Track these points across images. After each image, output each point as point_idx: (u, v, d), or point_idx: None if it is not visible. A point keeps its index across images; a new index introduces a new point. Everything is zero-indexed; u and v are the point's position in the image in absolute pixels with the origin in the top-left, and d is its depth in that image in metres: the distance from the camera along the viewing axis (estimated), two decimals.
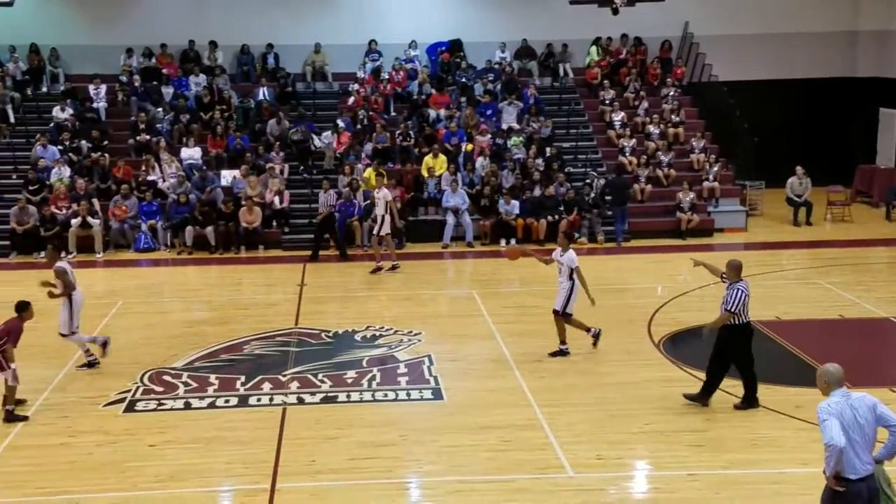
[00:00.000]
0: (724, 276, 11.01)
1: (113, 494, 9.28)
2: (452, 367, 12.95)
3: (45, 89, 24.44)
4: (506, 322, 14.95)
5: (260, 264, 19.62)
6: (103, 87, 23.93)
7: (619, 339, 13.84)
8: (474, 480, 9.55)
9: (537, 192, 21.42)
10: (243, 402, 11.77)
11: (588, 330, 13.42)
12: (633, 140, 23.64)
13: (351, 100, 24.14)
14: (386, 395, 11.98)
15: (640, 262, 19.56)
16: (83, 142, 22.12)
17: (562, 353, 13.14)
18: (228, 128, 22.84)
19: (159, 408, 11.56)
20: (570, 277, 12.83)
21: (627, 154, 23.18)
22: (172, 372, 12.73)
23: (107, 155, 21.76)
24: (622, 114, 24.36)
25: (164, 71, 24.64)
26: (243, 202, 20.38)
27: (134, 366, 12.92)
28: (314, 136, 22.98)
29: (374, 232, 18.57)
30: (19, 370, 11.26)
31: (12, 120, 23.15)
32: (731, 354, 10.98)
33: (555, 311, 13.04)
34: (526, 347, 13.56)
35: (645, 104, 24.71)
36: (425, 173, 21.92)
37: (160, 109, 23.44)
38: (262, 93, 24.19)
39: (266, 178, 21.22)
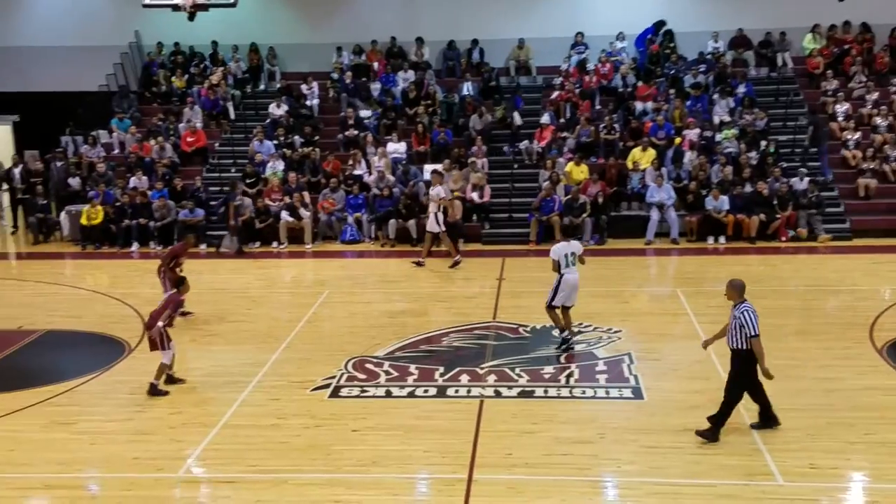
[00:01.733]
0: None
1: (318, 476, 9.52)
2: (653, 366, 12.53)
3: (262, 87, 25.74)
4: (712, 322, 14.23)
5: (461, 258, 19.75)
6: (315, 85, 24.90)
7: (837, 344, 12.98)
8: (676, 483, 9.16)
9: (748, 187, 20.47)
10: (441, 392, 11.85)
11: (562, 330, 13.28)
12: (859, 133, 22.17)
13: (555, 93, 23.95)
14: (584, 392, 11.73)
15: (862, 263, 18.29)
16: (296, 137, 23.10)
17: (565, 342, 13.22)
18: (433, 122, 23.19)
19: (362, 394, 11.81)
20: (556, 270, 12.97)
21: (851, 147, 21.77)
22: (374, 360, 12.99)
23: (317, 149, 22.62)
24: (846, 105, 22.90)
25: (375, 65, 25.31)
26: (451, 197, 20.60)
27: (339, 353, 13.27)
28: (516, 114, 22.96)
29: (433, 230, 18.43)
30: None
31: (233, 116, 24.51)
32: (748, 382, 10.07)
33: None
34: None
35: (873, 95, 23.12)
36: (630, 167, 21.42)
37: (368, 108, 24.10)
38: (467, 87, 24.42)
39: (468, 173, 21.38)
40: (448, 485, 9.34)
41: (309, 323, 14.91)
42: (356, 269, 19.33)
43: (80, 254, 20.53)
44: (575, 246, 13.21)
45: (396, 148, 22.47)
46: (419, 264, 18.47)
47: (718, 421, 10.05)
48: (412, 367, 12.71)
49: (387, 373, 12.54)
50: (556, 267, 13.03)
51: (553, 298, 13.14)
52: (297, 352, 13.46)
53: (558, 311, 13.22)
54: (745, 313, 9.79)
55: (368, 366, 12.81)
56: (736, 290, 10.03)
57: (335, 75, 25.16)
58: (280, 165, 22.07)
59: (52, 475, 9.66)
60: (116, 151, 23.51)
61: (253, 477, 9.58)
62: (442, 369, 12.59)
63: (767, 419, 10.30)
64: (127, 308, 15.71)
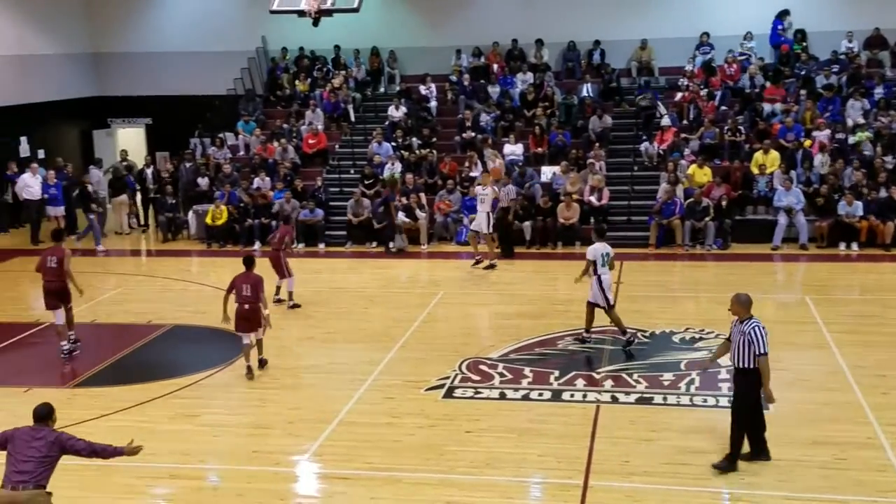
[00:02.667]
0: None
1: (432, 475, 9.52)
2: (779, 376, 11.88)
3: (382, 90, 26.04)
4: (843, 331, 13.72)
5: (576, 261, 19.29)
6: (434, 87, 25.04)
7: None
8: (804, 497, 8.80)
9: (883, 192, 19.54)
10: (556, 396, 11.70)
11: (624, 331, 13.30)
12: None
13: (678, 95, 23.44)
14: (705, 401, 11.40)
15: None
16: (414, 139, 23.27)
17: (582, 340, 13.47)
18: (551, 124, 23.01)
19: (476, 396, 11.76)
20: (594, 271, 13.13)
21: None
22: (489, 362, 12.93)
23: (434, 151, 22.72)
24: None
25: (494, 66, 25.29)
26: (562, 198, 20.41)
27: (453, 354, 13.26)
28: (660, 104, 22.65)
29: (481, 230, 18.34)
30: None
31: (353, 119, 24.89)
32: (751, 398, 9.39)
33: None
34: (866, 360, 12.37)
35: None
36: (755, 170, 20.75)
37: (485, 108, 24.09)
38: (586, 89, 24.13)
39: (586, 175, 21.11)
40: (563, 490, 9.22)
41: (424, 323, 14.96)
42: (471, 270, 19.29)
43: (205, 252, 21.16)
44: (608, 248, 13.44)
45: (513, 150, 22.37)
46: (492, 266, 18.32)
47: (734, 450, 9.39)
48: (527, 370, 12.60)
49: (501, 375, 12.46)
50: (593, 268, 13.23)
51: (608, 299, 13.28)
52: (412, 351, 13.52)
53: (615, 311, 13.35)
54: (756, 329, 9.11)
55: (482, 367, 12.75)
56: (743, 305, 9.32)
57: (454, 77, 25.24)
58: (398, 167, 22.27)
59: (176, 465, 9.95)
60: (242, 153, 24.16)
61: (367, 474, 9.65)
62: (557, 373, 12.44)
63: (759, 451, 9.53)
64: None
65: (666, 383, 11.97)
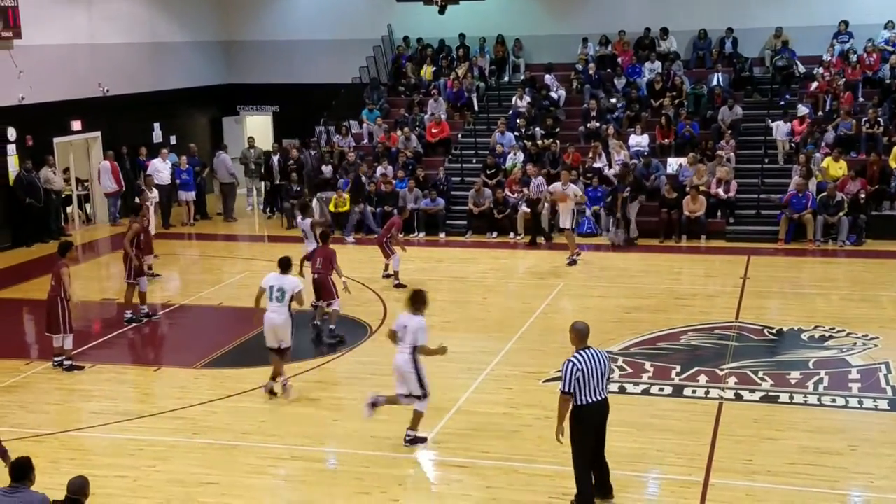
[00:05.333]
0: None
1: (549, 467, 9.46)
2: None
3: (506, 79, 25.95)
4: None
5: (701, 254, 19.08)
6: (558, 77, 24.81)
7: None
8: None
9: None
10: (678, 392, 11.50)
11: None
12: None
13: (814, 85, 22.57)
14: (834, 401, 11.01)
15: None
16: (537, 129, 23.12)
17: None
18: (679, 115, 22.52)
19: None
20: None
21: None
22: (609, 355, 12.75)
23: (558, 141, 22.52)
24: None
25: (619, 59, 24.93)
26: (688, 190, 19.95)
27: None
28: (797, 63, 22.16)
29: (562, 225, 18.41)
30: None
31: (476, 108, 24.90)
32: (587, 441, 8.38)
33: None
34: None
35: None
36: (894, 164, 19.81)
37: (613, 98, 23.75)
38: (717, 79, 23.51)
39: (714, 167, 20.58)
40: (682, 486, 9.07)
41: (543, 314, 14.88)
42: (592, 262, 19.08)
43: None
44: None
45: (639, 141, 21.98)
46: (573, 262, 18.02)
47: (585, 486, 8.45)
48: (647, 365, 12.40)
49: (621, 368, 12.31)
50: None
51: None
52: (530, 342, 13.48)
53: None
54: (566, 364, 8.18)
55: None
56: (576, 334, 8.47)
57: (579, 66, 24.96)
58: (520, 157, 22.18)
59: (298, 447, 10.19)
60: (365, 141, 24.51)
61: (483, 463, 9.68)
62: (679, 368, 12.22)
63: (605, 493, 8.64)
64: (369, 292, 16.32)
65: (793, 382, 11.62)
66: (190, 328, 15.28)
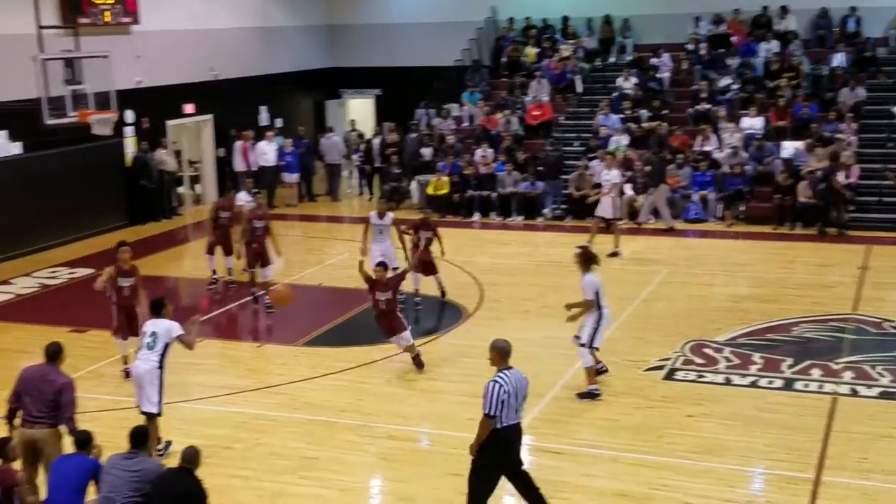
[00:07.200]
0: None
1: (648, 457, 9.21)
2: None
3: (612, 60, 25.32)
4: None
5: (816, 242, 18.22)
6: (667, 57, 24.08)
7: None
8: None
9: None
10: (788, 385, 10.98)
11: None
12: None
13: None
14: None
15: None
16: (643, 111, 22.48)
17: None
18: (796, 96, 21.57)
19: (698, 379, 11.26)
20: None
21: None
22: (714, 345, 12.32)
23: (664, 124, 21.84)
24: None
25: (733, 38, 24.03)
26: (804, 175, 19.07)
27: (675, 335, 12.72)
28: None
29: (606, 215, 17.19)
30: None
31: (579, 89, 24.35)
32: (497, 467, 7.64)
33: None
34: None
35: None
36: None
37: (726, 79, 22.87)
38: (837, 59, 22.46)
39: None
40: (791, 483, 8.68)
41: (645, 302, 14.45)
42: (698, 248, 18.45)
43: None
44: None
45: (752, 123, 21.11)
46: (615, 254, 17.01)
47: None
48: (756, 356, 11.88)
49: (727, 359, 11.83)
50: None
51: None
52: (631, 330, 13.07)
53: None
54: (488, 384, 7.48)
55: (707, 350, 12.15)
56: (497, 352, 7.72)
57: (690, 46, 24.16)
58: (624, 140, 21.59)
59: (393, 426, 10.16)
60: (466, 124, 24.27)
61: (579, 450, 9.47)
62: (790, 361, 11.69)
63: None
64: (465, 275, 16.12)
65: None
66: (292, 307, 15.33)
